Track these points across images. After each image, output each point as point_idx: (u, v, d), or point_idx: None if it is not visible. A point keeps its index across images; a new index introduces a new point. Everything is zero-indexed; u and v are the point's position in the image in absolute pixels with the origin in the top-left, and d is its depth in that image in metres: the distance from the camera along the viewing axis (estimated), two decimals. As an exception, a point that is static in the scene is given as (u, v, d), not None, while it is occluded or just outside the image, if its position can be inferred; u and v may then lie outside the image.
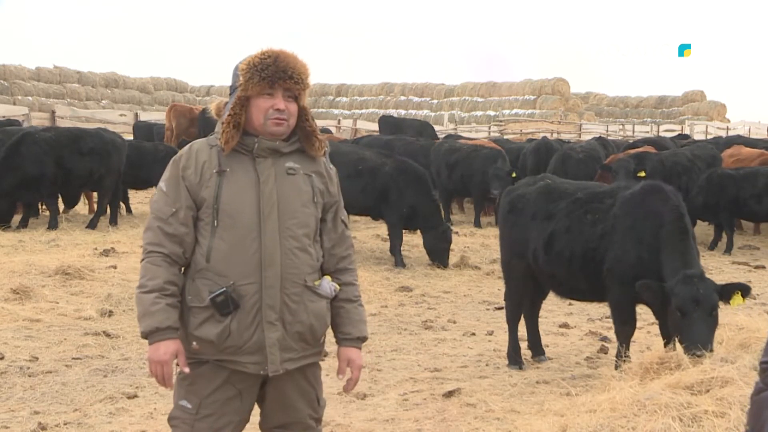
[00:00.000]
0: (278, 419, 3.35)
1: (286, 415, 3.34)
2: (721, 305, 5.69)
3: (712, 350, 5.40)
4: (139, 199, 16.91)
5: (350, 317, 3.39)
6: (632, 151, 15.74)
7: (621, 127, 42.96)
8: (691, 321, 5.54)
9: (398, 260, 10.96)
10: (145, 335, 3.17)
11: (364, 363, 6.42)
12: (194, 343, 3.20)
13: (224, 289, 3.13)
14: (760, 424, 2.18)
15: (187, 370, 3.20)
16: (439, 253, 10.98)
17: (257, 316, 3.17)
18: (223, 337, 3.16)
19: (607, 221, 6.17)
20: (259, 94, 3.20)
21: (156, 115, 31.32)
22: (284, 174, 3.25)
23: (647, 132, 38.20)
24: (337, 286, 3.34)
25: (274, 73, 3.17)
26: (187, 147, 3.33)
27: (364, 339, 3.44)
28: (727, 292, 5.70)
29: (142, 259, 3.24)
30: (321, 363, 3.47)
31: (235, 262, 3.16)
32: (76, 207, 14.43)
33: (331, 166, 3.44)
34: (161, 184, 3.28)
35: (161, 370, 3.16)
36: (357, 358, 3.41)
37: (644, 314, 7.00)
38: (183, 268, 3.26)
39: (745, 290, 5.73)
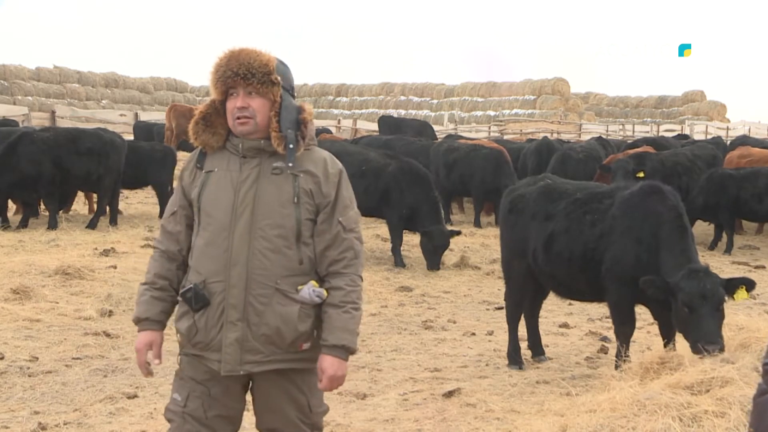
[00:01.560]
0: (267, 421, 3.35)
1: (273, 418, 3.33)
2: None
3: (722, 348, 5.39)
4: (139, 199, 16.93)
5: (330, 323, 3.24)
6: (632, 151, 15.73)
7: (621, 127, 42.98)
8: (698, 317, 5.52)
9: (398, 260, 10.94)
10: (135, 324, 3.37)
11: (364, 363, 6.46)
12: (178, 335, 3.32)
13: (191, 285, 3.20)
14: (764, 426, 2.17)
15: (157, 361, 3.33)
16: (427, 254, 10.87)
17: (223, 314, 3.19)
18: (192, 332, 3.23)
19: (605, 222, 6.17)
20: (228, 96, 3.24)
21: (156, 115, 31.33)
22: (269, 174, 3.23)
23: (647, 132, 38.20)
24: (324, 292, 3.25)
25: (224, 73, 3.20)
26: (195, 150, 3.40)
27: (344, 348, 3.22)
28: (731, 286, 5.70)
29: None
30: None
31: (208, 259, 3.22)
32: (76, 207, 14.43)
33: (335, 165, 3.34)
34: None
35: (138, 358, 3.34)
36: (329, 367, 3.20)
37: (644, 314, 7.00)
38: (185, 265, 3.37)
39: (749, 285, 5.74)
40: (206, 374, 3.26)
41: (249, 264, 3.17)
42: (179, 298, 3.29)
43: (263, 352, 3.20)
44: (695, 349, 5.43)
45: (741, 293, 5.71)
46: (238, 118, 3.21)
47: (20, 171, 11.91)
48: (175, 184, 3.48)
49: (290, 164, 3.22)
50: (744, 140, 20.84)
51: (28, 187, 12.07)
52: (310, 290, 3.22)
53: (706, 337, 5.43)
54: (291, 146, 3.20)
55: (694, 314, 5.54)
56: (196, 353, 3.26)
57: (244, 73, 3.18)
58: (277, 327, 3.18)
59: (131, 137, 20.83)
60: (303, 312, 3.22)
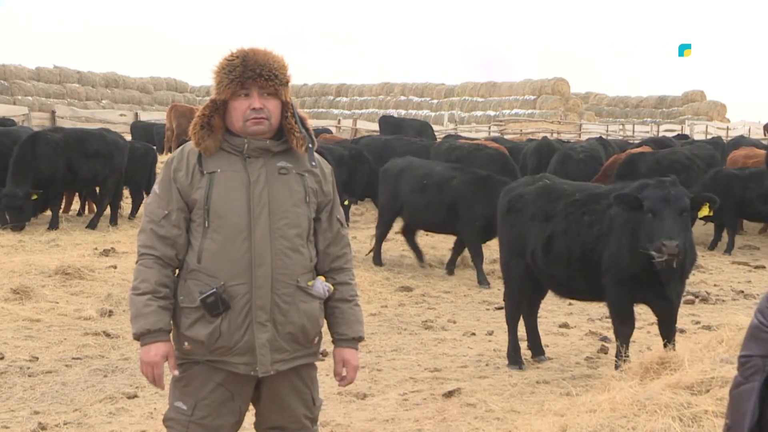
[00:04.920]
0: (273, 420, 3.34)
1: (281, 416, 3.32)
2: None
3: (682, 250, 5.49)
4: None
5: (345, 317, 3.36)
6: (633, 151, 15.71)
7: (621, 127, 43.00)
8: (661, 219, 5.58)
9: (481, 278, 10.12)
10: (137, 336, 3.19)
11: (364, 363, 6.46)
12: (186, 343, 3.21)
13: (214, 289, 3.12)
14: (740, 416, 2.18)
15: (176, 372, 3.21)
16: None
17: (248, 316, 3.15)
18: (214, 337, 3.15)
19: (603, 222, 6.18)
20: (235, 96, 3.17)
21: (156, 115, 31.35)
22: (276, 174, 3.22)
23: (647, 132, 38.22)
24: (331, 287, 3.31)
25: (242, 73, 3.14)
26: (179, 149, 3.32)
27: (360, 339, 3.41)
28: (696, 202, 5.83)
29: (136, 261, 3.27)
30: (319, 363, 3.47)
31: (226, 262, 3.15)
32: (75, 207, 14.42)
33: (328, 164, 3.41)
34: (155, 186, 3.29)
35: (152, 371, 3.18)
36: (352, 359, 3.38)
37: (644, 314, 7.00)
38: (177, 270, 3.26)
39: (713, 202, 5.89)
40: (217, 381, 3.21)
41: (273, 264, 3.16)
42: (190, 305, 3.17)
43: (288, 350, 3.22)
44: (654, 248, 5.51)
45: (704, 210, 5.85)
46: (254, 118, 3.17)
47: (39, 172, 11.86)
48: (159, 186, 3.27)
49: (313, 163, 3.28)
50: (740, 140, 20.77)
51: (40, 189, 12.01)
52: (323, 285, 3.29)
53: (666, 234, 5.49)
54: (311, 146, 3.25)
55: (656, 217, 5.60)
56: (213, 359, 3.19)
57: (267, 74, 3.15)
58: (302, 324, 3.22)
59: (129, 137, 20.80)
60: (320, 307, 3.30)
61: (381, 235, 11.01)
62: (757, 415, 2.15)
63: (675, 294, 6.03)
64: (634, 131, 40.21)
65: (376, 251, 10.91)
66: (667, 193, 5.64)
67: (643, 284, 5.94)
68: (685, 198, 5.70)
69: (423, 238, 11.84)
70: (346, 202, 12.46)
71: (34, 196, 11.64)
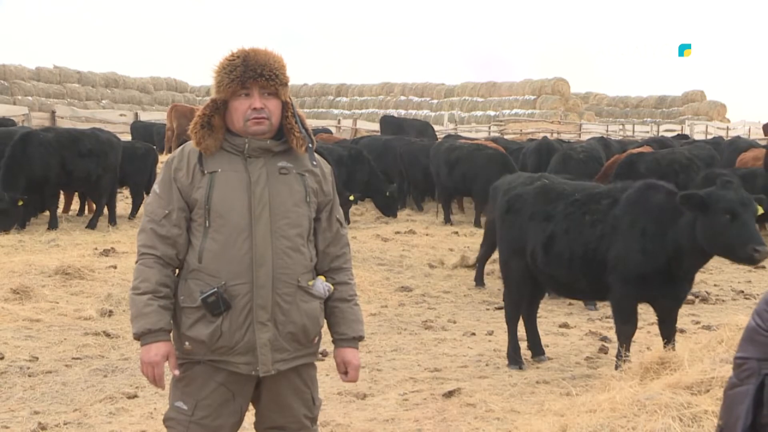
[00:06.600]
0: (274, 420, 3.34)
1: (281, 416, 3.33)
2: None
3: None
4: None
5: (345, 317, 3.36)
6: (632, 151, 15.70)
7: (621, 127, 42.99)
8: (743, 222, 5.61)
9: None
10: (137, 336, 3.18)
11: (364, 363, 6.46)
12: (187, 343, 3.21)
13: (215, 289, 3.12)
14: (734, 419, 2.18)
15: (177, 372, 3.21)
16: None
17: (249, 316, 3.16)
18: (215, 337, 3.15)
19: (606, 221, 6.17)
20: (235, 95, 3.18)
21: (156, 115, 31.34)
22: (276, 174, 3.22)
23: (647, 132, 38.21)
24: (332, 287, 3.32)
25: (243, 73, 3.14)
26: (179, 149, 3.32)
27: (360, 338, 3.41)
28: None
29: (136, 261, 3.26)
30: (319, 363, 3.47)
31: (227, 262, 3.15)
32: (75, 207, 14.41)
33: (327, 164, 3.41)
34: (155, 186, 3.29)
35: (152, 371, 3.17)
36: (353, 359, 3.38)
37: (644, 314, 7.00)
38: (177, 270, 3.26)
39: (761, 203, 5.95)
40: (218, 381, 3.21)
41: (274, 264, 3.16)
42: (191, 305, 3.17)
43: (289, 350, 3.23)
44: (743, 254, 5.58)
45: (758, 209, 5.90)
46: (255, 118, 3.17)
47: (32, 172, 11.85)
48: (159, 186, 3.27)
49: (314, 163, 3.29)
50: (736, 141, 20.72)
51: (35, 189, 11.99)
52: (324, 285, 3.29)
53: (755, 240, 5.57)
54: (310, 146, 3.26)
55: (737, 220, 5.62)
56: (214, 359, 3.19)
57: (268, 74, 3.15)
58: (303, 324, 3.22)
59: (129, 138, 20.78)
60: (320, 307, 3.30)
61: (483, 256, 10.00)
62: (750, 419, 2.15)
63: (683, 293, 6.06)
64: (634, 131, 40.21)
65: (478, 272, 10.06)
66: (743, 195, 5.70)
67: (652, 283, 5.94)
68: (753, 200, 5.80)
69: (423, 238, 11.85)
70: (351, 198, 12.36)
71: (20, 202, 11.57)
